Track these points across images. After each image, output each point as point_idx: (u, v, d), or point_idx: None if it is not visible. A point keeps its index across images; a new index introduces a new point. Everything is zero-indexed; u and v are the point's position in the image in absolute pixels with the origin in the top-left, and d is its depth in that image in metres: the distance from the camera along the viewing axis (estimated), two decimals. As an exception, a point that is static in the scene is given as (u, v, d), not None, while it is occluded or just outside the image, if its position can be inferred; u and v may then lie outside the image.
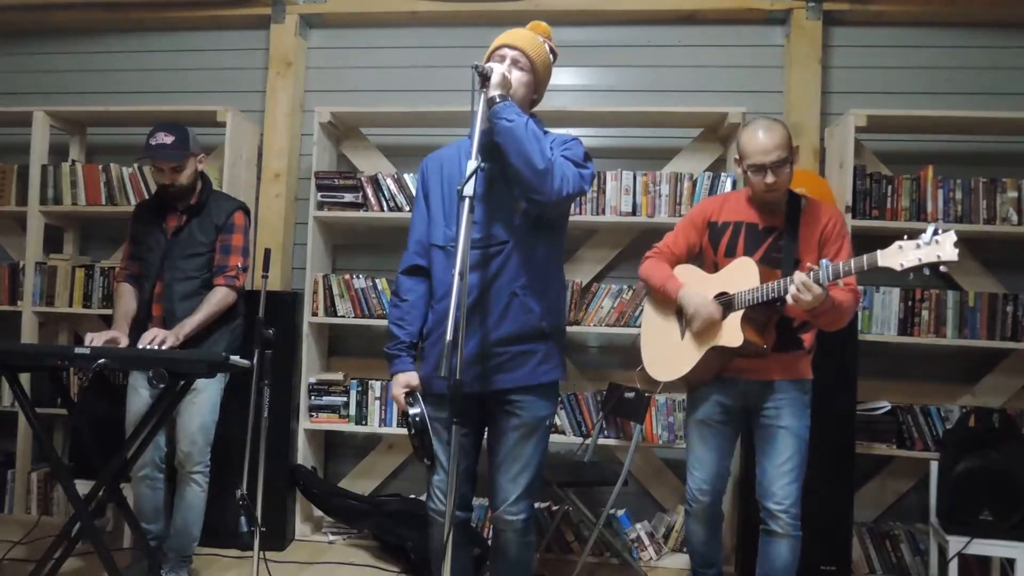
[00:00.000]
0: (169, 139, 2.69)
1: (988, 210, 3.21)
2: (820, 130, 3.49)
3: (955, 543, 2.77)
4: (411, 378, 2.06)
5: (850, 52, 3.61)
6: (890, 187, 3.26)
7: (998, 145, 3.51)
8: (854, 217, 3.22)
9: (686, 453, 2.50)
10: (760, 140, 2.24)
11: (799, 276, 2.04)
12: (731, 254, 2.36)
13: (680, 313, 2.44)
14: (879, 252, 1.96)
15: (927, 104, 3.50)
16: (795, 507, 2.28)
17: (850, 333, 3.01)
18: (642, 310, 3.31)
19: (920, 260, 1.87)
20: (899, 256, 1.91)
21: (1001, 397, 3.37)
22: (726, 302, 2.28)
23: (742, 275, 2.26)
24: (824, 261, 2.06)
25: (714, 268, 2.41)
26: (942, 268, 1.85)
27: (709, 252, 2.45)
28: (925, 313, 3.22)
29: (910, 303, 3.23)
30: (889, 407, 3.26)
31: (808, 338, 2.34)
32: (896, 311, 3.23)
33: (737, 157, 2.34)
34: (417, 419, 1.98)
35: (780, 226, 2.33)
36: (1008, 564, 3.02)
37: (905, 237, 1.92)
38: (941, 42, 3.58)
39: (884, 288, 3.24)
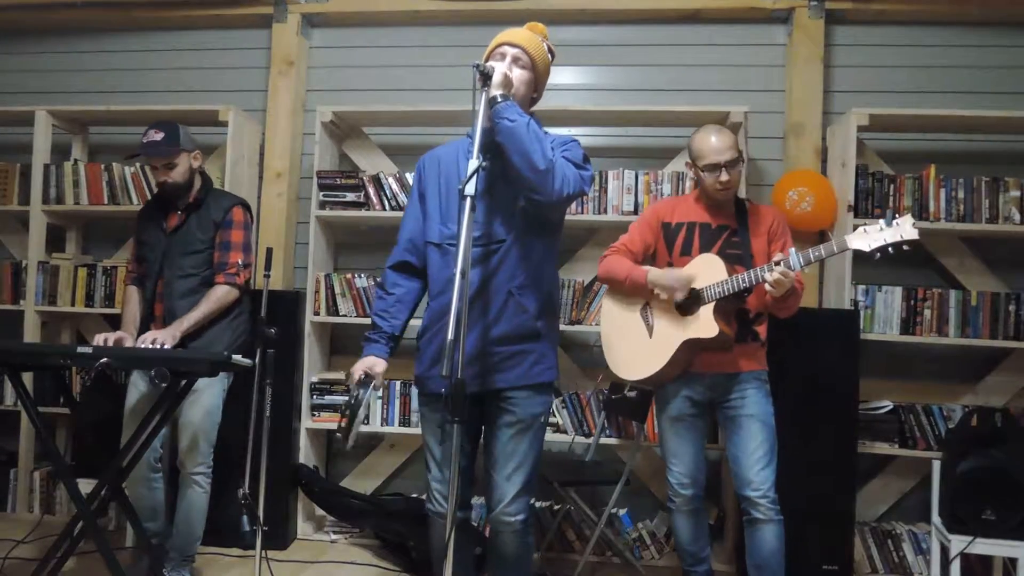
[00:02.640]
0: (159, 136, 2.70)
1: (990, 209, 3.21)
2: (822, 129, 3.49)
3: (957, 543, 2.77)
4: (376, 363, 2.06)
5: (852, 51, 3.60)
6: (892, 186, 3.26)
7: (1000, 144, 3.51)
8: (856, 216, 3.21)
9: (661, 451, 2.56)
10: (714, 142, 2.42)
11: (778, 268, 2.19)
12: (687, 252, 2.47)
13: (645, 311, 2.50)
14: (847, 236, 2.19)
15: (929, 103, 3.50)
16: (772, 491, 2.36)
17: (852, 332, 3.02)
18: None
19: (886, 240, 2.12)
20: (866, 239, 2.15)
21: (1003, 396, 3.36)
22: (693, 297, 2.37)
23: (708, 270, 2.37)
24: (792, 250, 2.24)
25: (668, 268, 2.50)
26: (905, 247, 2.10)
27: (663, 252, 2.54)
28: (927, 312, 3.22)
29: (912, 302, 3.23)
30: (891, 406, 3.26)
31: (762, 331, 2.48)
32: (898, 310, 3.23)
33: (689, 160, 2.50)
34: (352, 400, 1.95)
35: (732, 224, 2.48)
36: (1010, 564, 3.01)
37: (866, 223, 2.19)
38: (943, 41, 3.57)
39: (886, 287, 3.24)
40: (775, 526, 2.36)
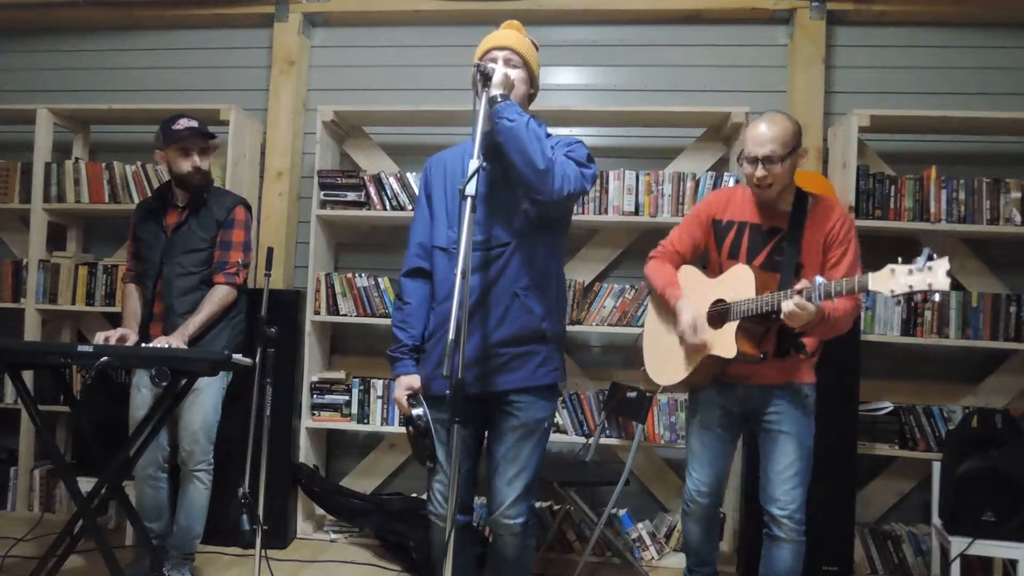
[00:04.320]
0: (195, 123, 2.74)
1: (991, 211, 3.20)
2: (823, 130, 3.48)
3: (957, 544, 2.77)
4: (414, 380, 2.05)
5: (854, 52, 3.60)
6: (893, 187, 3.25)
7: (1002, 145, 3.50)
8: (857, 217, 3.21)
9: (686, 454, 2.50)
10: (758, 130, 2.21)
11: (795, 299, 2.00)
12: (734, 256, 2.32)
13: None
14: (870, 275, 1.91)
15: (931, 104, 3.50)
16: (799, 512, 2.26)
17: (852, 333, 3.00)
18: (645, 309, 3.33)
19: (911, 287, 1.83)
20: (890, 281, 1.87)
21: (1004, 398, 3.36)
22: (723, 310, 2.26)
23: (739, 283, 2.23)
24: (818, 279, 2.00)
25: (719, 269, 2.37)
26: (936, 297, 1.80)
27: (713, 252, 2.41)
28: (928, 313, 3.21)
29: (913, 303, 3.21)
30: (891, 407, 3.26)
31: (811, 342, 2.29)
32: (899, 311, 3.22)
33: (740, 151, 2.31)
34: (420, 421, 1.96)
35: (784, 227, 2.28)
36: (1010, 565, 3.01)
37: (899, 261, 1.87)
38: (945, 42, 3.57)
39: (887, 288, 3.23)
40: (796, 546, 2.26)
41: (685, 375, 2.33)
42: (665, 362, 2.43)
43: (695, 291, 2.36)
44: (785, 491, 2.25)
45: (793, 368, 2.29)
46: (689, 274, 2.44)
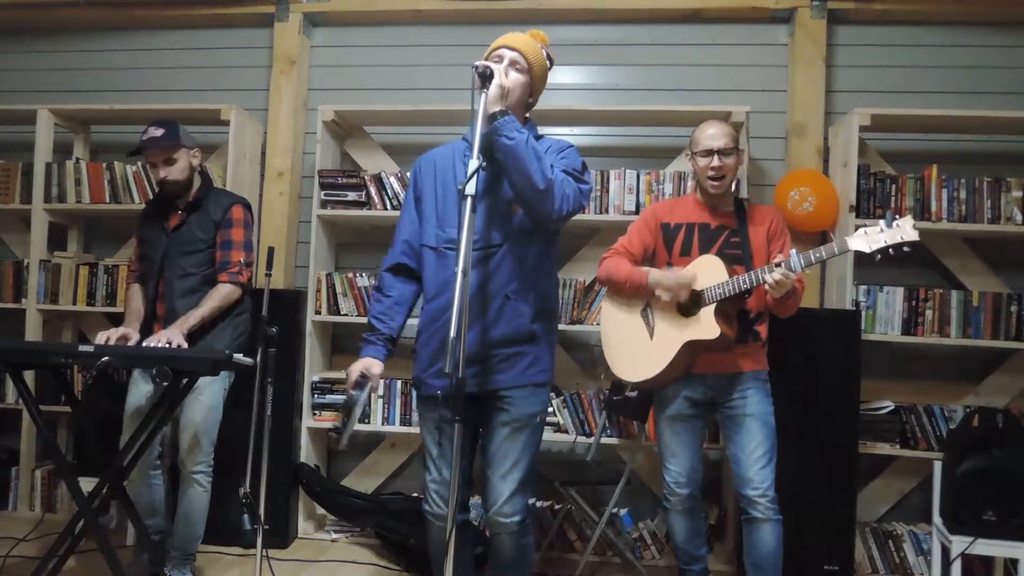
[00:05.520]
0: (159, 132, 2.70)
1: (992, 210, 3.20)
2: (824, 129, 3.48)
3: (958, 543, 2.77)
4: (373, 366, 2.06)
5: (854, 51, 3.60)
6: (894, 186, 3.25)
7: (1003, 144, 3.50)
8: (858, 216, 3.21)
9: (658, 450, 2.56)
10: (710, 129, 2.47)
11: (778, 269, 2.20)
12: (687, 253, 2.47)
13: (645, 312, 2.50)
14: (847, 237, 2.20)
15: (932, 103, 3.49)
16: (772, 490, 2.36)
17: (853, 332, 3.01)
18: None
19: (886, 242, 2.13)
20: (866, 240, 2.16)
21: (1005, 397, 3.36)
22: (695, 297, 2.37)
23: (709, 271, 2.37)
24: (794, 251, 2.24)
25: (667, 268, 2.50)
26: (905, 248, 2.11)
27: (663, 253, 2.54)
28: (929, 313, 3.21)
29: (914, 302, 3.22)
30: (892, 407, 3.25)
31: (763, 330, 2.48)
32: (900, 310, 3.22)
33: (688, 153, 2.52)
34: (349, 401, 2.00)
35: (732, 225, 2.47)
36: (1012, 564, 3.01)
37: (866, 224, 2.19)
38: (946, 41, 3.57)
39: (888, 288, 3.23)
40: (774, 525, 2.36)
41: (664, 366, 2.39)
42: (637, 358, 2.49)
43: None
44: (757, 471, 2.36)
45: (753, 355, 2.45)
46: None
